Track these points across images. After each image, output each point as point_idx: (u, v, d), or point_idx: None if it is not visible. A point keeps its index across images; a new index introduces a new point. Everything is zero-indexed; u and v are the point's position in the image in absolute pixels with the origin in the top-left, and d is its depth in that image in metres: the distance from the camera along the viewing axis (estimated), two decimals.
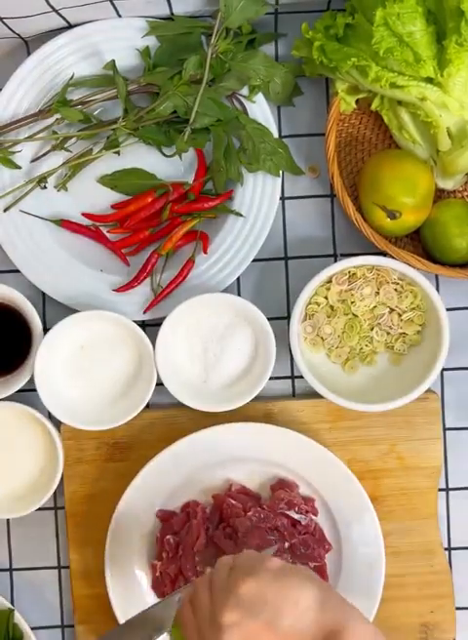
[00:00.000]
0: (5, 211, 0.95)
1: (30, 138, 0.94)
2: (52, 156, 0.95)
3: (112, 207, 0.97)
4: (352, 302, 0.93)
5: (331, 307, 0.94)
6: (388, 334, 0.95)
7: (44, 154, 0.95)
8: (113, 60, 0.93)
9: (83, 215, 0.97)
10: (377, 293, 0.93)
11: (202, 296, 0.91)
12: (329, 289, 0.93)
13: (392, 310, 0.94)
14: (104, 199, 0.97)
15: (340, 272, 0.92)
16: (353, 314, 0.94)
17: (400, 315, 0.94)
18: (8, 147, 0.94)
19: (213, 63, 0.91)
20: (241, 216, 0.95)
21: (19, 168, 0.95)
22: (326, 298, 0.94)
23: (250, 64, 0.92)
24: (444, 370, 0.98)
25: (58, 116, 0.93)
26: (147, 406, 0.94)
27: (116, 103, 0.94)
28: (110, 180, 0.97)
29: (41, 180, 0.94)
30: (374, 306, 0.94)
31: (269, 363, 0.91)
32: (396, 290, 0.93)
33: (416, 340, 0.95)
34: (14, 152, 0.94)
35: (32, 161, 0.95)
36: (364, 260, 0.91)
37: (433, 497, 0.97)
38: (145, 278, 0.95)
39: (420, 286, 0.91)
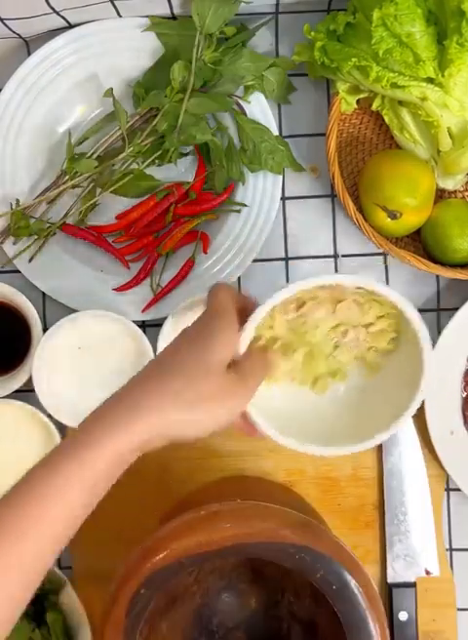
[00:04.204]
0: (30, 261, 0.95)
1: (53, 201, 0.96)
2: (65, 194, 0.96)
3: (116, 218, 0.97)
4: (305, 332, 0.77)
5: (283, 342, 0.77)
6: (356, 349, 0.79)
7: (57, 197, 0.96)
8: (111, 89, 0.92)
9: (90, 228, 0.97)
10: (335, 311, 0.77)
11: (198, 297, 0.90)
12: (272, 326, 0.76)
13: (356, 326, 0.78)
14: (108, 209, 0.98)
15: (283, 302, 0.72)
16: (311, 343, 0.78)
17: (367, 328, 0.78)
18: (29, 211, 0.95)
19: (201, 67, 0.91)
20: (244, 205, 0.95)
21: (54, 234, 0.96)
22: (271, 328, 0.76)
23: (238, 64, 0.92)
24: None
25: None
26: None
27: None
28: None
29: (60, 226, 0.96)
30: (335, 326, 0.77)
31: None
32: (356, 301, 0.76)
33: (391, 348, 0.79)
34: (43, 221, 0.95)
35: (48, 203, 0.96)
36: (305, 285, 0.70)
37: (438, 504, 0.97)
38: (145, 278, 0.95)
39: (381, 294, 0.73)
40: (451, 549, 0.99)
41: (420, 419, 0.95)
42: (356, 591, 0.73)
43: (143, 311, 0.95)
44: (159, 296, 0.95)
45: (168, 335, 0.91)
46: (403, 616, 0.94)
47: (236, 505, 0.79)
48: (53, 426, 0.93)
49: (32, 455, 0.96)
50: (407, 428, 0.96)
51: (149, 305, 0.95)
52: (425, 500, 0.96)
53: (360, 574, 0.74)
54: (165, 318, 0.91)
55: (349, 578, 0.73)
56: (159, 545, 0.74)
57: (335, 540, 0.76)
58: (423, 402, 0.94)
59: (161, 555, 0.74)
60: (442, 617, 0.97)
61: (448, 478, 0.98)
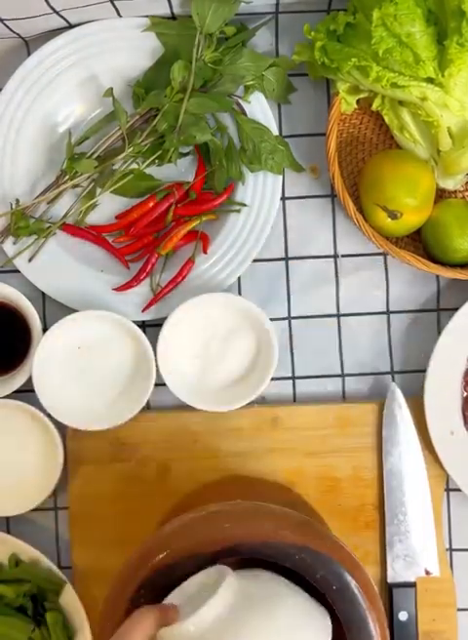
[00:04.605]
0: (29, 261, 0.95)
1: (54, 199, 0.95)
2: (65, 194, 0.96)
3: (116, 217, 0.97)
4: None
5: None
6: None
7: (57, 197, 0.96)
8: (111, 88, 0.92)
9: (89, 227, 0.97)
10: None
11: (205, 295, 0.91)
12: None
13: None
14: (108, 208, 0.97)
15: None
16: None
17: None
18: (29, 210, 0.95)
19: (201, 67, 0.91)
20: (244, 205, 0.94)
21: (54, 234, 0.96)
22: None
23: (238, 64, 0.92)
24: None
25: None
26: (151, 407, 0.94)
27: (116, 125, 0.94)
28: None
29: (60, 226, 0.95)
30: None
31: (270, 367, 0.91)
32: None
33: None
34: (43, 221, 0.95)
35: (48, 203, 0.96)
36: None
37: (438, 504, 0.97)
38: (145, 278, 0.95)
39: None
40: (451, 550, 0.99)
41: (420, 419, 0.95)
42: (356, 592, 0.73)
43: (143, 311, 0.95)
44: (159, 296, 0.95)
45: (168, 336, 0.91)
46: (403, 616, 0.94)
47: (236, 505, 0.79)
48: (52, 426, 0.93)
49: (32, 454, 0.96)
50: (407, 429, 0.96)
51: (149, 305, 0.95)
52: (425, 501, 0.96)
53: (360, 574, 0.74)
54: (165, 318, 0.92)
55: (349, 578, 0.73)
56: (159, 546, 0.74)
57: (335, 541, 0.76)
58: (423, 402, 0.94)
59: (161, 556, 0.74)
60: (442, 617, 0.97)
61: (447, 478, 0.98)
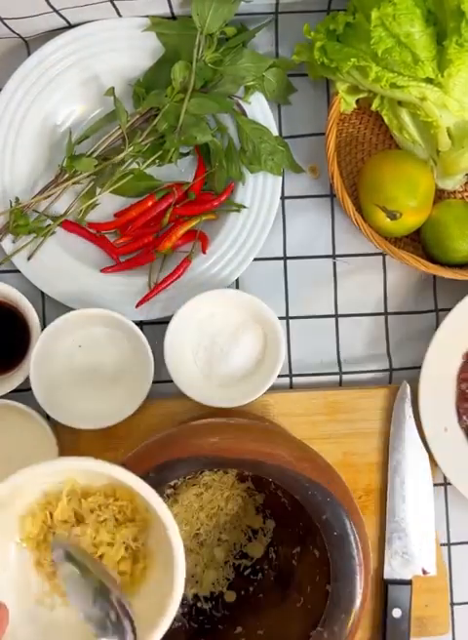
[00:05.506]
0: (28, 259, 0.95)
1: (54, 199, 0.95)
2: (64, 193, 0.96)
3: (115, 215, 0.97)
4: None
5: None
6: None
7: (57, 195, 0.96)
8: (112, 88, 0.92)
9: (89, 225, 0.97)
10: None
11: (212, 291, 0.91)
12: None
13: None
14: (107, 207, 0.97)
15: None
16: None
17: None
18: (28, 208, 0.95)
19: (202, 67, 0.91)
20: (244, 207, 0.95)
21: (53, 233, 0.96)
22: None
23: (239, 65, 0.92)
24: None
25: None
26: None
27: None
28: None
29: (59, 224, 0.95)
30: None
31: (277, 363, 0.91)
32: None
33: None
34: (45, 217, 0.95)
35: (46, 199, 0.96)
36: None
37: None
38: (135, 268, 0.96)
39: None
40: (450, 544, 1.00)
41: (415, 416, 0.96)
42: (354, 545, 0.74)
43: (137, 306, 0.95)
44: (152, 293, 0.95)
45: (175, 332, 0.91)
46: (396, 613, 0.95)
47: (266, 426, 0.79)
48: (47, 426, 0.93)
49: (27, 452, 0.96)
50: (413, 428, 0.96)
51: (143, 301, 0.95)
52: (427, 499, 0.96)
53: (361, 529, 0.75)
54: (165, 318, 0.92)
55: (351, 529, 0.73)
56: (179, 439, 0.74)
57: (348, 490, 0.76)
58: (418, 400, 0.95)
59: (180, 447, 0.74)
60: (433, 602, 0.98)
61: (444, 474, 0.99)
